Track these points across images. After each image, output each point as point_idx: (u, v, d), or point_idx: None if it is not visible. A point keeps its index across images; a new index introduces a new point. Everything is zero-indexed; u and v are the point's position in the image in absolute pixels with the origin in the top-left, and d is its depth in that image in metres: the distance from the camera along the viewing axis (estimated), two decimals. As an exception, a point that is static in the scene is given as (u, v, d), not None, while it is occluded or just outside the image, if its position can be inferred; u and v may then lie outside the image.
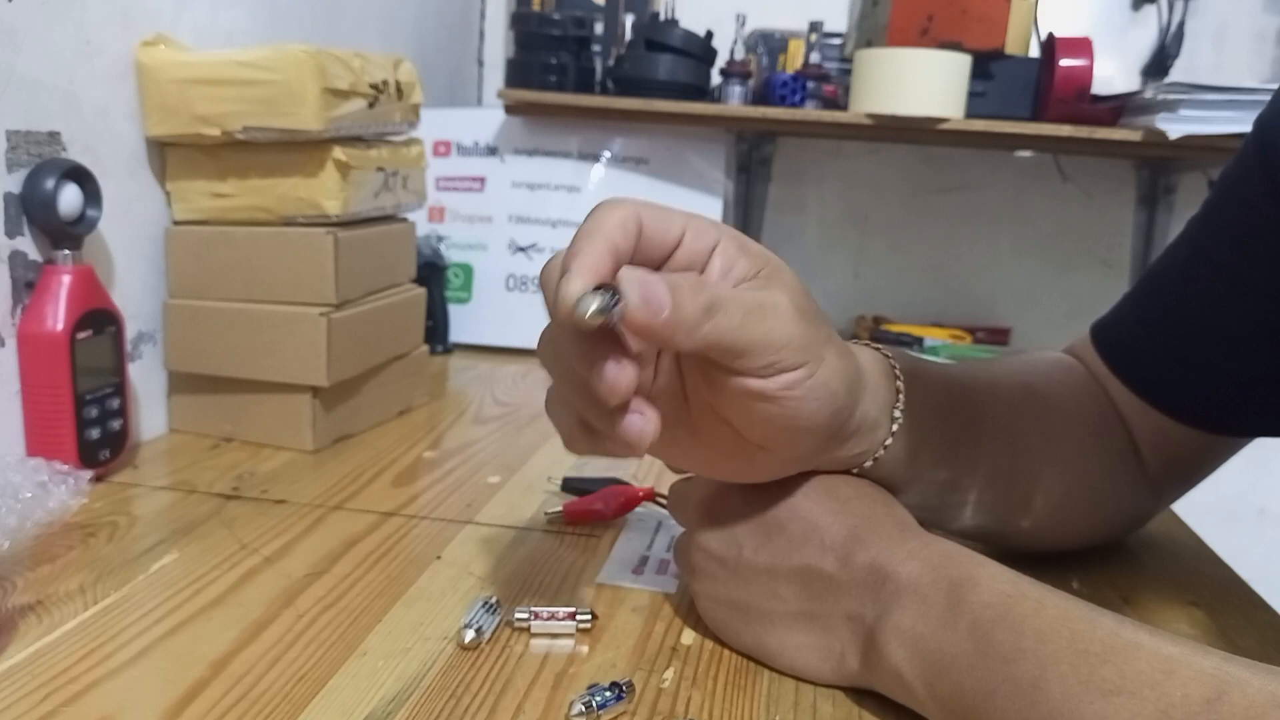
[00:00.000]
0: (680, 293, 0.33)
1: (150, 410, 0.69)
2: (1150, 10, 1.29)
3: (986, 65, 1.06)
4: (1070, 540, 0.55)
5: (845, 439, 0.41)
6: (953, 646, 0.35)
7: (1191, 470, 0.55)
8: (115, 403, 0.60)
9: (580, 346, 0.34)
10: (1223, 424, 0.52)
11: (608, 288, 0.33)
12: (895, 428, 0.42)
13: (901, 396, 0.43)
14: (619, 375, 0.33)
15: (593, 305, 0.32)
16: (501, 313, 1.07)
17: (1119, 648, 0.31)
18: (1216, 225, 0.50)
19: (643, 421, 0.35)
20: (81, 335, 0.57)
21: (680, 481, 0.47)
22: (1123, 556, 0.57)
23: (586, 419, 0.36)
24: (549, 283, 0.35)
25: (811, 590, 0.40)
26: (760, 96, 1.14)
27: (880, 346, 0.44)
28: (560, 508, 0.57)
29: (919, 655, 0.36)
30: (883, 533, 0.40)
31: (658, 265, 0.36)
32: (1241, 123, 0.95)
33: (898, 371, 0.43)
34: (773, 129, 1.25)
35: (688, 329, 0.33)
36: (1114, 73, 1.30)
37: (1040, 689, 0.31)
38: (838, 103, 1.11)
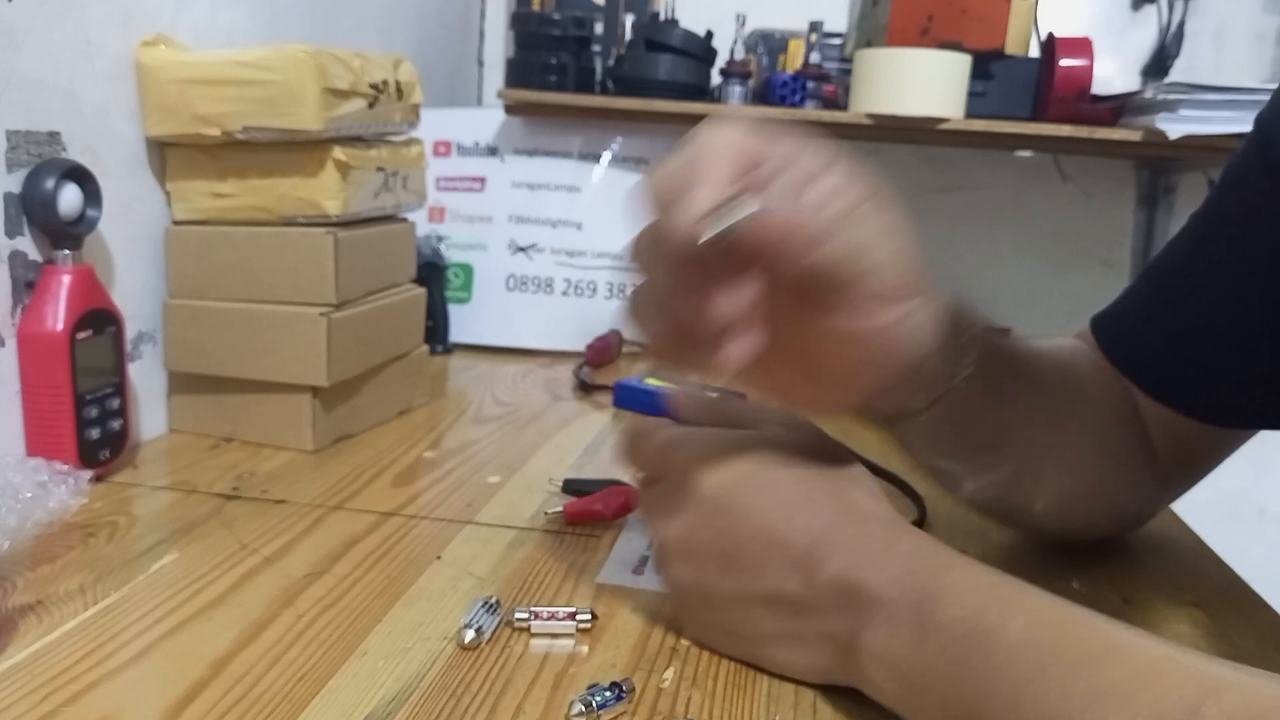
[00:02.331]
0: (807, 210, 0.32)
1: (150, 410, 0.69)
2: (1150, 10, 1.29)
3: (986, 65, 1.06)
4: (1079, 528, 0.55)
5: (918, 382, 0.41)
6: (928, 665, 0.34)
7: (1198, 461, 0.55)
8: (115, 403, 0.60)
9: (693, 263, 0.33)
10: (1224, 417, 0.52)
11: (732, 206, 0.32)
12: (954, 382, 0.42)
13: (968, 355, 0.42)
14: (731, 300, 0.33)
15: (719, 226, 0.30)
16: (502, 313, 1.07)
17: (1092, 660, 0.30)
18: (1217, 222, 0.51)
19: (742, 347, 0.34)
20: (81, 335, 0.57)
21: (645, 489, 0.45)
22: (1123, 556, 0.57)
23: (685, 326, 0.35)
24: (663, 196, 0.34)
25: (783, 613, 0.39)
26: (760, 96, 1.14)
27: (958, 297, 0.44)
28: (560, 508, 0.57)
29: (897, 676, 0.35)
30: (844, 540, 0.38)
31: (766, 186, 0.35)
32: (1241, 123, 0.95)
33: (972, 331, 0.43)
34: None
35: (815, 243, 0.33)
36: (1114, 73, 1.30)
37: (1018, 711, 0.31)
38: (838, 103, 1.11)
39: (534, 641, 0.43)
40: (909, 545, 0.37)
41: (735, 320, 0.33)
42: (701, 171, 0.32)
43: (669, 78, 1.07)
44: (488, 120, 1.11)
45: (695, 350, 0.36)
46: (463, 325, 1.06)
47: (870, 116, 1.01)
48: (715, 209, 0.31)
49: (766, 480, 0.40)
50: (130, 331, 0.66)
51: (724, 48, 1.11)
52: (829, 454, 0.42)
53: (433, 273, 0.99)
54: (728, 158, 0.33)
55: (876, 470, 0.67)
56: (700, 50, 1.08)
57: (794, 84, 1.10)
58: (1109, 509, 0.55)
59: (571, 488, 0.62)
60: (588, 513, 0.57)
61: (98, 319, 0.58)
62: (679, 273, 0.34)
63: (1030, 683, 0.31)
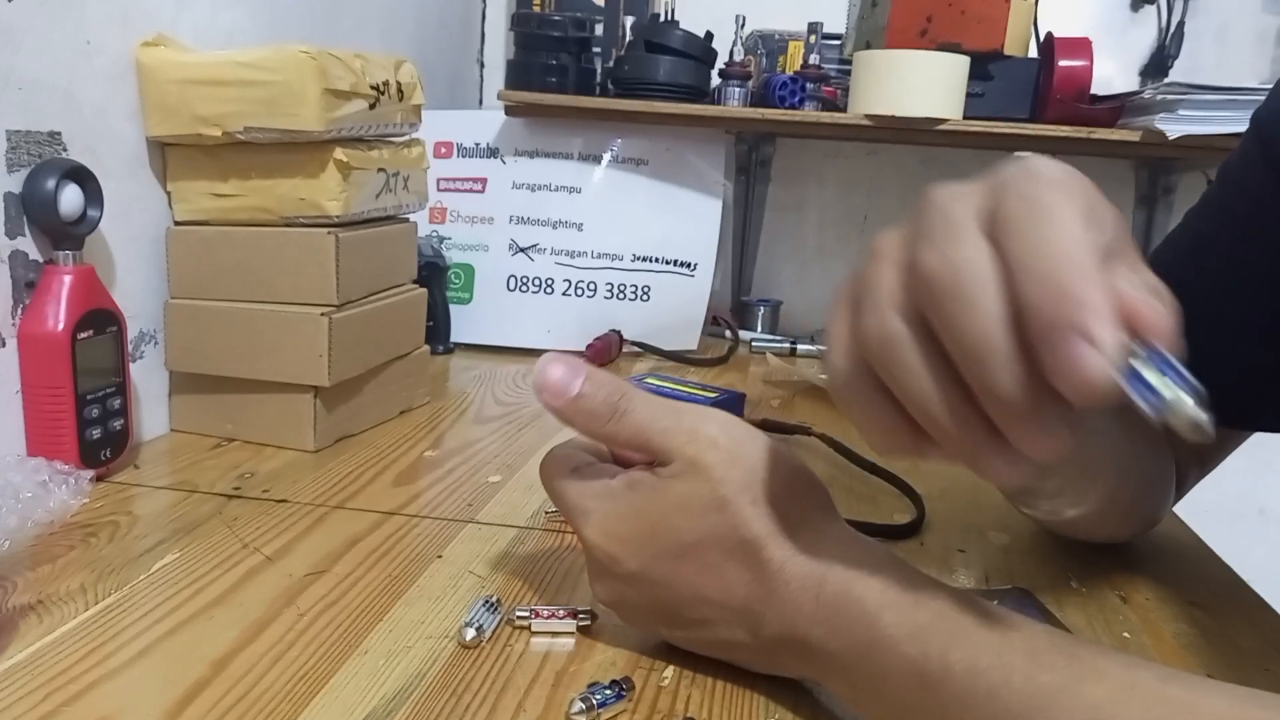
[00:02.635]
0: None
1: (151, 410, 0.69)
2: (1150, 10, 1.29)
3: (985, 66, 1.06)
4: (1113, 526, 0.55)
5: None
6: (890, 708, 0.34)
7: (1203, 460, 0.55)
8: (116, 402, 0.60)
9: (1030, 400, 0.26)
10: (1223, 414, 0.52)
11: (1138, 346, 0.25)
12: None
13: None
14: (1067, 428, 0.27)
15: (1201, 414, 0.24)
16: (503, 313, 1.07)
17: (1040, 702, 0.29)
18: (1218, 216, 0.51)
19: (1052, 443, 0.28)
20: (82, 335, 0.57)
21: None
22: (1123, 556, 0.57)
23: (936, 432, 0.29)
24: (982, 290, 0.27)
25: (744, 649, 0.39)
26: (760, 98, 1.14)
27: None
28: (561, 507, 0.57)
29: (868, 712, 0.36)
30: (774, 598, 0.37)
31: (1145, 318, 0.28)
32: (1241, 123, 0.94)
33: None
34: (772, 130, 1.25)
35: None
36: (1113, 73, 1.30)
37: None
38: (837, 104, 1.11)
39: (534, 640, 0.43)
40: (833, 591, 0.36)
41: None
42: (1083, 283, 0.25)
43: (669, 79, 1.07)
44: (488, 121, 1.11)
45: (930, 442, 0.30)
46: (464, 325, 1.06)
47: (869, 118, 1.01)
48: (1170, 383, 0.24)
49: (684, 546, 0.38)
50: (131, 331, 0.66)
51: (724, 49, 1.11)
52: (748, 475, 0.38)
53: (434, 273, 0.99)
54: (1096, 261, 0.26)
55: (875, 470, 0.68)
56: (700, 51, 1.08)
57: (793, 85, 1.10)
58: (1137, 509, 0.54)
59: (572, 487, 0.62)
60: (588, 512, 0.57)
61: (99, 319, 0.58)
62: (1004, 391, 0.27)
63: None
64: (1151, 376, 0.24)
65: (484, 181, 1.10)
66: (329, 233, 0.66)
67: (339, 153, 0.66)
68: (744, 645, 0.39)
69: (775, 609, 0.37)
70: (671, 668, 0.41)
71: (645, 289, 1.09)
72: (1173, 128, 0.96)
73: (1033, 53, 1.13)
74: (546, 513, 0.58)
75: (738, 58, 1.12)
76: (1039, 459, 0.28)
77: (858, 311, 0.30)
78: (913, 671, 0.33)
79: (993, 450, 0.28)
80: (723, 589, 0.38)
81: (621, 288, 1.09)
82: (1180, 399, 0.24)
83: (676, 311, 1.09)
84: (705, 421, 0.39)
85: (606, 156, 1.11)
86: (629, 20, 1.16)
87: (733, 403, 0.77)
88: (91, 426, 0.58)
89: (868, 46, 1.11)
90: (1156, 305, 0.26)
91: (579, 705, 0.37)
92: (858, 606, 0.35)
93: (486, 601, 0.44)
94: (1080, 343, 0.25)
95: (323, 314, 0.66)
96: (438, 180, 1.09)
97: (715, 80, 1.12)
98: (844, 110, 1.07)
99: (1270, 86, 0.51)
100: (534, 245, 1.09)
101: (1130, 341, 0.25)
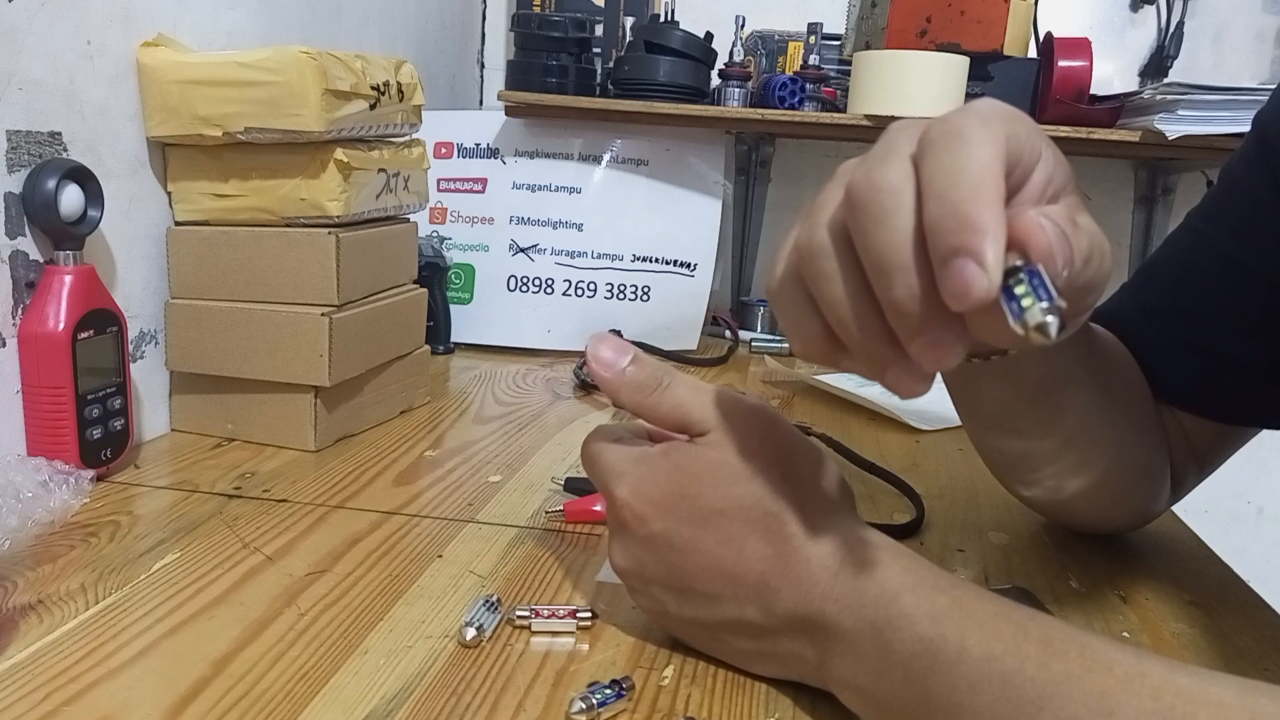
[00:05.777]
0: (1080, 276, 0.30)
1: (152, 410, 0.69)
2: (1149, 11, 1.29)
3: (985, 66, 1.06)
4: (1097, 515, 0.55)
5: None
6: (895, 697, 0.34)
7: (1202, 460, 0.55)
8: (117, 402, 0.60)
9: (930, 298, 0.28)
10: (1220, 410, 0.52)
11: (1022, 267, 0.28)
12: None
13: None
14: (958, 343, 0.29)
15: (1050, 320, 0.26)
16: (503, 313, 1.07)
17: (1051, 690, 0.30)
18: (1218, 217, 0.51)
19: (952, 351, 0.30)
20: (83, 335, 0.57)
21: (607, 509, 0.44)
22: (1122, 556, 0.57)
23: (846, 338, 0.32)
24: (893, 207, 0.29)
25: (748, 634, 0.40)
26: (759, 98, 1.14)
27: None
28: (561, 507, 0.58)
29: (868, 704, 0.36)
30: (790, 572, 0.38)
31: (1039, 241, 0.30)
32: (1239, 123, 0.95)
33: None
34: (772, 130, 1.25)
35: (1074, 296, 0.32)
36: (1112, 73, 1.30)
37: None
38: (836, 104, 1.12)
39: (534, 639, 0.43)
40: (852, 571, 0.37)
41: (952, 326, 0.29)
42: (980, 208, 0.27)
43: (669, 79, 1.07)
44: (489, 122, 1.11)
45: (845, 353, 0.32)
46: (464, 325, 1.06)
47: (869, 118, 1.02)
48: (1039, 303, 0.27)
49: (710, 513, 0.39)
50: (132, 331, 0.66)
51: (723, 49, 1.11)
52: (778, 453, 0.40)
53: (435, 273, 0.99)
54: (999, 188, 0.28)
55: (874, 470, 0.68)
56: (700, 52, 1.08)
57: (793, 85, 1.10)
58: (1130, 497, 0.54)
59: (573, 486, 0.62)
60: (588, 512, 0.57)
61: (99, 319, 0.59)
62: (908, 298, 0.29)
63: (996, 714, 0.30)
64: (1020, 290, 0.27)
65: (484, 182, 1.10)
66: (330, 233, 0.66)
67: (340, 153, 0.66)
68: (751, 627, 0.39)
69: (791, 583, 0.38)
70: (671, 667, 0.41)
71: (645, 289, 1.09)
72: (1172, 128, 0.96)
73: (1032, 53, 1.13)
74: (547, 512, 0.58)
75: (737, 58, 1.13)
76: (932, 370, 0.30)
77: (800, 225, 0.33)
78: (926, 653, 0.33)
79: (894, 360, 0.31)
80: (740, 562, 0.39)
81: (621, 288, 1.09)
82: (1033, 306, 0.27)
83: (676, 312, 1.09)
84: (742, 400, 0.41)
85: (606, 157, 1.11)
86: (629, 21, 1.16)
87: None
88: (92, 426, 0.58)
89: (867, 47, 1.11)
90: (1044, 231, 0.28)
91: (579, 705, 0.37)
92: (877, 586, 0.36)
93: (487, 601, 0.45)
94: (968, 263, 0.27)
95: (323, 314, 0.66)
96: (438, 180, 1.09)
97: (715, 81, 1.12)
98: (843, 111, 1.07)
99: (1272, 87, 0.51)
100: (534, 245, 1.09)
101: (1016, 260, 0.28)
